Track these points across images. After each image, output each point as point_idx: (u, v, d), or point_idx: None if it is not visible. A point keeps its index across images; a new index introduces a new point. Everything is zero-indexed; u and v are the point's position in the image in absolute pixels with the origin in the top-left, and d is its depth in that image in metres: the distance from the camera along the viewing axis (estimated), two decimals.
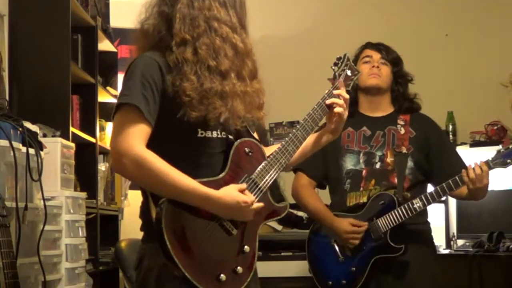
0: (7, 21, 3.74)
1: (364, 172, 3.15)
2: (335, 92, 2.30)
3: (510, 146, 2.97)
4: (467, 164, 3.04)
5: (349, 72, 2.41)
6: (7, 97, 3.61)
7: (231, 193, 2.03)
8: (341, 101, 2.28)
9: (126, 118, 1.99)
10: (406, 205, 3.01)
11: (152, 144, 2.00)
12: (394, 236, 3.02)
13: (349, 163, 3.17)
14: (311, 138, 2.34)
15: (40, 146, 2.93)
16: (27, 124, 2.93)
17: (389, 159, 3.13)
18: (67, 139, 3.62)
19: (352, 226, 3.04)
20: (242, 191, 2.06)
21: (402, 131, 3.16)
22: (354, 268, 3.06)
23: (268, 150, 2.23)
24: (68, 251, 3.28)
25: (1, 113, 2.83)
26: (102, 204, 4.37)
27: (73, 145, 3.55)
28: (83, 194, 3.58)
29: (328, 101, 2.28)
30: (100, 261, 4.11)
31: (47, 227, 2.94)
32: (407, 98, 3.25)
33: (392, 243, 3.01)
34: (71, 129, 3.80)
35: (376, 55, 3.22)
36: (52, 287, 3.15)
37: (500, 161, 2.94)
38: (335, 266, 3.10)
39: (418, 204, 3.00)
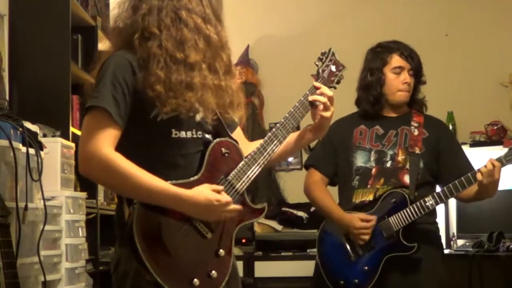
0: (7, 21, 3.73)
1: (374, 170, 3.15)
2: (318, 91, 2.21)
3: None
4: (475, 166, 3.05)
5: (333, 68, 2.33)
6: (7, 97, 3.61)
7: (203, 191, 1.97)
8: (324, 99, 2.19)
9: (95, 121, 1.95)
10: (418, 203, 3.01)
11: (126, 147, 1.96)
12: (405, 234, 3.03)
13: (360, 160, 3.18)
14: (293, 137, 2.27)
15: (40, 146, 2.93)
16: (27, 124, 2.93)
17: (400, 158, 3.14)
18: (67, 139, 3.62)
19: (362, 222, 3.04)
20: (217, 192, 2.00)
21: (416, 132, 3.17)
22: (366, 267, 3.05)
23: (248, 149, 2.16)
24: (68, 251, 3.28)
25: (1, 113, 2.82)
26: (102, 204, 4.37)
27: (73, 145, 3.54)
28: (83, 194, 3.58)
29: (310, 98, 2.20)
30: (100, 261, 4.10)
31: (47, 227, 2.94)
32: (420, 101, 3.27)
33: (404, 241, 3.02)
34: (71, 129, 3.80)
35: (407, 66, 3.17)
36: (52, 287, 3.15)
37: None
38: (346, 265, 3.09)
39: (430, 202, 3.01)
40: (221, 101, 2.05)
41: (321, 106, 2.20)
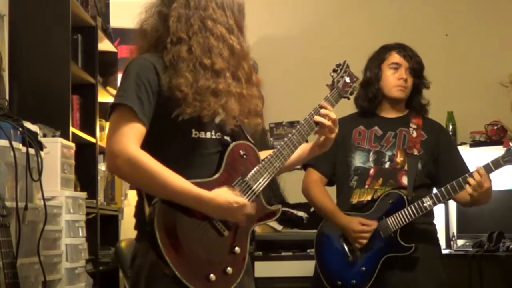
0: (7, 21, 3.74)
1: (372, 170, 3.15)
2: (322, 111, 2.28)
3: None
4: (474, 167, 3.06)
5: (347, 79, 2.43)
6: (7, 97, 3.61)
7: (223, 194, 2.05)
8: (328, 122, 2.28)
9: (121, 118, 2.02)
10: (416, 204, 3.02)
11: (146, 145, 2.03)
12: (402, 235, 3.04)
13: (358, 160, 3.18)
14: (308, 146, 2.36)
15: (40, 146, 2.93)
16: (27, 124, 2.93)
17: (399, 159, 3.15)
18: (67, 139, 3.62)
19: (361, 226, 3.05)
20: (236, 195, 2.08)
21: (414, 134, 3.18)
22: (364, 268, 3.06)
23: (263, 154, 2.25)
24: (68, 251, 3.28)
25: (1, 113, 2.82)
26: (102, 204, 4.37)
27: (73, 145, 3.55)
28: (83, 194, 3.58)
29: (316, 119, 2.28)
30: (100, 261, 4.10)
31: (47, 227, 2.94)
32: (421, 105, 3.26)
33: (402, 242, 3.02)
34: (71, 129, 3.80)
35: (404, 64, 3.19)
36: (52, 287, 3.15)
37: (510, 158, 2.94)
38: (344, 266, 3.10)
39: (428, 203, 3.02)
40: (242, 108, 2.13)
41: (326, 129, 2.29)
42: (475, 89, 5.15)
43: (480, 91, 5.14)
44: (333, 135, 2.30)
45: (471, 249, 4.25)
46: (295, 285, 4.30)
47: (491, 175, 2.98)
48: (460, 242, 4.59)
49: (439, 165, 3.19)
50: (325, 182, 3.30)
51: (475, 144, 4.82)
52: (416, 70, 3.21)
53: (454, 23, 5.30)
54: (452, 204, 4.69)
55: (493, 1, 5.29)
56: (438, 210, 4.70)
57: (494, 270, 4.07)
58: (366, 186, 3.14)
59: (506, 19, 5.23)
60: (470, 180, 2.93)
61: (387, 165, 3.15)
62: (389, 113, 3.25)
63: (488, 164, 2.97)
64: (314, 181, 3.27)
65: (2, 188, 2.68)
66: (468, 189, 2.94)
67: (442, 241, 4.68)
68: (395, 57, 3.21)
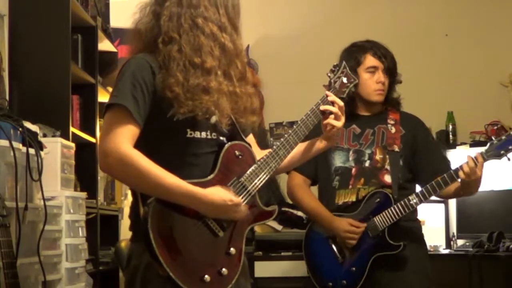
0: (7, 21, 3.73)
1: (353, 170, 3.16)
2: (329, 98, 2.30)
3: (503, 137, 2.95)
4: (457, 163, 3.06)
5: (345, 80, 2.43)
6: (7, 97, 3.61)
7: (218, 191, 2.04)
8: (335, 109, 2.29)
9: (115, 118, 2.02)
10: (402, 202, 3.02)
11: (141, 144, 2.02)
12: (390, 233, 3.04)
13: (338, 160, 3.19)
14: (301, 147, 2.34)
15: (40, 146, 2.93)
16: (27, 124, 2.93)
17: (378, 157, 3.15)
18: (67, 139, 3.62)
19: (351, 226, 3.05)
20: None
21: (393, 130, 3.18)
22: (353, 268, 3.07)
23: (258, 156, 2.23)
24: (68, 251, 3.28)
25: (1, 113, 2.82)
26: (102, 204, 4.37)
27: (73, 145, 3.54)
28: (83, 194, 3.58)
29: (322, 107, 2.29)
30: (100, 261, 4.10)
31: (47, 227, 2.94)
32: (394, 100, 3.27)
33: (390, 241, 3.02)
34: (71, 129, 3.79)
35: (380, 66, 3.19)
36: (52, 287, 3.15)
37: (493, 152, 2.94)
38: (334, 267, 3.11)
39: (414, 201, 3.02)
40: (235, 106, 2.12)
41: (332, 116, 2.28)
42: (475, 89, 5.16)
43: (480, 91, 5.14)
44: (340, 124, 2.29)
45: (471, 249, 4.25)
46: (295, 285, 4.30)
47: (484, 175, 2.96)
48: (460, 242, 4.59)
49: (417, 160, 3.19)
50: (309, 184, 3.31)
51: (475, 144, 4.82)
52: (391, 68, 3.22)
53: (454, 23, 5.30)
54: (452, 204, 4.70)
55: (493, 1, 5.30)
56: (438, 210, 4.73)
57: (494, 270, 4.07)
58: (350, 187, 3.15)
59: (506, 19, 5.23)
60: (464, 166, 2.92)
61: (367, 164, 3.15)
62: (366, 111, 3.25)
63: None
64: (298, 184, 3.28)
65: (2, 188, 2.68)
66: (461, 174, 2.93)
67: (442, 241, 4.68)
68: (371, 61, 3.20)
